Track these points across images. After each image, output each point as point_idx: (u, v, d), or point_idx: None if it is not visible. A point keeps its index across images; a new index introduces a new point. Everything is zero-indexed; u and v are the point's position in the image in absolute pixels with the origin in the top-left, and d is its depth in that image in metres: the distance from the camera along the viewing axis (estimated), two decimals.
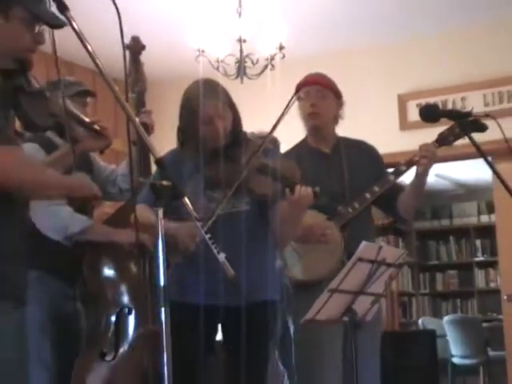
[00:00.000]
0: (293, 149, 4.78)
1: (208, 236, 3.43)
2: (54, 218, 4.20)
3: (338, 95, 4.84)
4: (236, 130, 4.12)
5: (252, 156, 3.93)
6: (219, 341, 4.22)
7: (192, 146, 4.10)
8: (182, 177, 3.90)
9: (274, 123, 3.96)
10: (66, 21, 2.85)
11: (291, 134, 4.75)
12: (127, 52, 4.20)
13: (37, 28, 3.17)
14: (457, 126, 4.30)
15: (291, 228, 4.13)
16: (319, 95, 4.76)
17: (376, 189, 4.63)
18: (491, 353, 10.68)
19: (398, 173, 4.64)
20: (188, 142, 4.14)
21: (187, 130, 4.10)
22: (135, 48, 4.33)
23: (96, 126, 3.98)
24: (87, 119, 4.24)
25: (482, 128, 4.09)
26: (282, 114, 3.97)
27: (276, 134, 4.20)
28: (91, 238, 4.47)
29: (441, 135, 4.47)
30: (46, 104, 3.41)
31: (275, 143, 4.86)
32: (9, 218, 3.18)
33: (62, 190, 3.33)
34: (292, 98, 4.00)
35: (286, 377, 6.29)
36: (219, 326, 4.17)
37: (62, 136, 3.95)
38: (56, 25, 3.05)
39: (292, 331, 4.66)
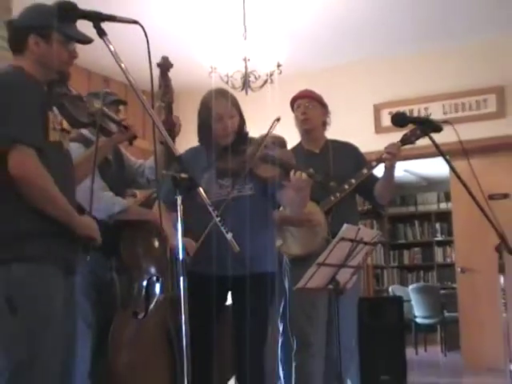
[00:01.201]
0: (291, 150, 4.80)
1: (218, 219, 3.42)
2: (100, 200, 4.20)
3: (323, 105, 4.93)
4: (241, 130, 4.14)
5: (256, 149, 3.97)
6: (228, 305, 4.21)
7: (207, 142, 4.13)
8: (198, 168, 3.91)
9: (266, 133, 4.02)
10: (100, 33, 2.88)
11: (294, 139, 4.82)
12: (158, 69, 4.22)
13: (71, 46, 3.26)
14: (417, 128, 4.33)
15: (297, 207, 4.12)
16: (308, 105, 4.86)
17: (352, 181, 4.68)
18: (447, 314, 10.69)
19: (370, 167, 4.71)
20: (204, 138, 4.16)
21: (203, 127, 4.12)
22: (165, 66, 4.33)
23: (124, 122, 3.98)
24: (117, 117, 4.27)
25: (438, 129, 4.10)
26: (267, 134, 4.04)
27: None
28: (128, 216, 4.49)
29: (404, 136, 4.50)
30: (84, 105, 3.45)
31: (283, 143, 4.90)
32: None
33: (68, 219, 3.18)
34: (274, 122, 4.04)
35: (280, 332, 6.30)
36: (228, 293, 4.16)
37: (100, 131, 3.96)
38: (85, 41, 3.13)
39: (288, 295, 4.66)
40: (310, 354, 4.59)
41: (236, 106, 4.12)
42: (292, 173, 3.81)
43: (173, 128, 4.18)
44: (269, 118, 3.96)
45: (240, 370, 4.10)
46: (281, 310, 5.43)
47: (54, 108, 3.25)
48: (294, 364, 4.67)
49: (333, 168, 4.66)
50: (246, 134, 4.17)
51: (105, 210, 4.32)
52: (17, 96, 3.09)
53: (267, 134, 4.07)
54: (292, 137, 5.01)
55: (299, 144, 4.88)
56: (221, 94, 4.15)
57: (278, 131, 4.13)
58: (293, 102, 4.88)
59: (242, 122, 4.15)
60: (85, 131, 4.76)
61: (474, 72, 8.29)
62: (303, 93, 4.89)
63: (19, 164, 3.02)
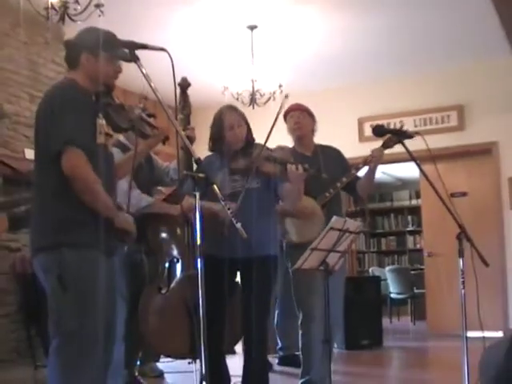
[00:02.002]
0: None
1: (230, 211, 3.42)
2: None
3: (311, 115, 4.89)
4: (248, 138, 4.14)
5: (261, 151, 3.97)
6: (237, 282, 4.21)
7: (219, 148, 4.12)
8: (213, 171, 3.90)
9: (273, 123, 3.98)
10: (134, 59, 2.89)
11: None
12: (179, 87, 4.22)
13: (116, 62, 3.26)
14: (393, 137, 4.33)
15: (294, 198, 4.10)
16: (300, 116, 4.82)
17: (344, 179, 4.67)
18: (416, 290, 10.66)
19: (358, 168, 4.70)
20: (217, 145, 4.14)
21: (217, 136, 4.10)
22: (184, 85, 4.35)
23: (157, 126, 3.98)
24: (152, 122, 4.27)
25: (409, 136, 4.12)
26: (275, 120, 4.02)
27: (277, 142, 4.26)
28: (154, 210, 4.49)
29: (384, 141, 4.50)
30: (126, 113, 3.43)
31: (284, 148, 4.88)
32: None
33: (110, 213, 3.17)
34: (283, 100, 4.08)
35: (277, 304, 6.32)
36: (237, 272, 4.16)
37: (139, 135, 3.93)
38: (127, 59, 3.10)
39: (290, 274, 4.64)
40: (312, 323, 4.57)
41: (243, 118, 4.13)
42: (290, 167, 3.84)
43: (189, 137, 4.19)
44: (269, 128, 3.97)
45: (247, 334, 4.11)
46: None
47: (100, 115, 3.26)
48: (300, 332, 4.65)
49: (323, 167, 4.65)
50: (253, 140, 4.17)
51: (133, 204, 4.32)
52: (69, 104, 3.08)
53: (279, 113, 4.06)
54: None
55: (292, 148, 4.86)
56: (231, 108, 4.16)
57: (277, 139, 4.12)
58: (286, 114, 4.83)
59: (249, 130, 4.15)
60: (122, 138, 4.76)
61: (439, 93, 8.36)
62: (295, 106, 4.85)
63: (70, 164, 3.01)
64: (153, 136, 3.73)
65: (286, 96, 4.07)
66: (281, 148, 4.70)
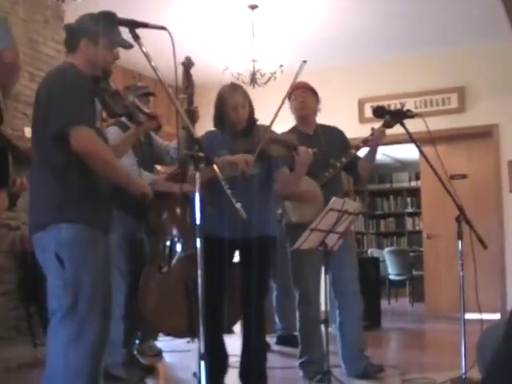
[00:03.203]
0: (288, 131, 4.75)
1: (230, 191, 3.41)
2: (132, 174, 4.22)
3: (315, 95, 4.86)
4: (251, 118, 4.10)
5: (267, 133, 3.92)
6: (236, 262, 4.22)
7: (222, 127, 4.08)
8: (214, 148, 3.86)
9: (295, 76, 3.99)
10: (134, 44, 2.90)
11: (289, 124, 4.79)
12: (182, 67, 4.21)
13: (115, 49, 3.30)
14: (393, 117, 4.30)
15: (294, 181, 4.09)
16: (304, 95, 4.78)
17: (343, 159, 4.65)
18: (414, 272, 10.70)
19: (358, 148, 4.68)
20: (220, 124, 4.11)
21: (220, 115, 4.06)
22: (188, 64, 4.32)
23: (151, 114, 3.97)
24: (146, 110, 4.27)
25: (409, 116, 4.12)
26: (282, 102, 4.01)
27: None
28: (156, 188, 4.50)
29: (385, 121, 4.46)
30: (121, 99, 3.45)
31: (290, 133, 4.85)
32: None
33: (126, 180, 3.31)
34: (301, 64, 3.97)
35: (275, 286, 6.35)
36: (237, 252, 4.15)
37: (131, 120, 4.00)
38: (126, 46, 3.16)
39: (289, 254, 4.64)
40: (309, 304, 4.59)
41: (247, 98, 4.08)
42: (301, 150, 3.83)
43: (193, 116, 4.18)
44: (271, 107, 3.94)
45: (246, 314, 4.12)
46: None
47: (96, 100, 3.28)
48: (297, 313, 4.67)
49: (325, 147, 4.64)
50: (255, 120, 4.14)
51: None
52: (72, 86, 3.11)
53: (296, 77, 4.01)
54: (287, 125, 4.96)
55: (294, 127, 4.81)
56: (234, 87, 4.10)
57: (279, 118, 4.09)
58: (291, 92, 4.74)
59: (252, 110, 4.12)
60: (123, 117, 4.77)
61: (440, 75, 8.33)
62: (300, 84, 4.74)
63: (84, 141, 3.05)
64: (146, 121, 3.77)
65: (305, 61, 3.98)
66: (287, 133, 4.66)
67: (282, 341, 6.38)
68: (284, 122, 4.56)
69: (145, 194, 3.40)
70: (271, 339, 6.35)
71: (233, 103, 4.00)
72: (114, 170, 3.22)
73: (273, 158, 3.96)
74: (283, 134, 4.17)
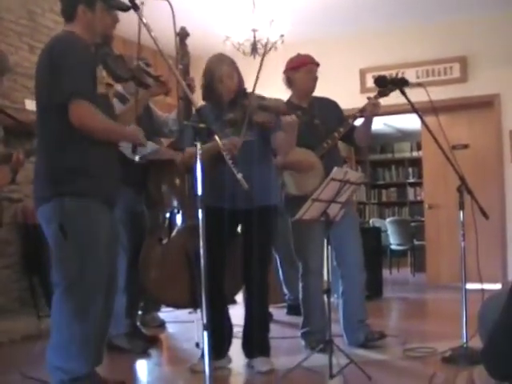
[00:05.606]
0: None
1: (231, 161, 3.40)
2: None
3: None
4: (240, 87, 4.07)
5: (252, 100, 3.89)
6: (239, 232, 4.21)
7: (211, 99, 4.07)
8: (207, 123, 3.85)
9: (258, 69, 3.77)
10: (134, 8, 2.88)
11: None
12: (177, 37, 4.17)
13: (113, 12, 3.33)
14: (394, 85, 4.26)
15: (287, 144, 4.06)
16: (315, 70, 4.72)
17: (341, 129, 4.61)
18: (416, 242, 10.70)
19: (354, 117, 4.63)
20: (208, 96, 4.09)
21: (208, 87, 4.04)
22: (183, 34, 4.30)
23: (160, 78, 3.94)
24: (154, 73, 4.24)
25: (406, 83, 4.09)
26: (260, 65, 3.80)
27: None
28: (159, 156, 4.50)
29: (380, 90, 4.43)
30: (125, 63, 3.44)
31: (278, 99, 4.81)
32: (109, 149, 3.28)
33: (122, 136, 3.41)
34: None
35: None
36: (238, 223, 4.15)
37: (139, 84, 3.87)
38: (124, 9, 3.13)
39: (290, 225, 4.64)
40: (311, 275, 4.60)
41: (234, 68, 4.05)
42: (283, 116, 3.82)
43: (188, 87, 4.14)
44: (272, 78, 3.91)
45: (248, 284, 4.13)
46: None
47: (100, 65, 3.27)
48: (300, 284, 4.68)
49: (319, 118, 4.60)
50: (244, 90, 4.10)
51: (139, 150, 4.32)
52: (71, 55, 3.10)
53: (264, 55, 3.92)
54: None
55: (288, 101, 4.67)
56: (220, 59, 4.06)
57: (273, 91, 4.04)
58: (304, 64, 4.69)
59: (241, 80, 4.08)
60: (120, 89, 4.74)
61: (443, 44, 8.25)
62: (311, 59, 4.72)
63: (79, 115, 3.06)
64: (154, 86, 3.72)
65: (282, 35, 3.92)
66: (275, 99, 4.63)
67: (291, 310, 6.39)
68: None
69: (139, 143, 3.46)
70: (280, 309, 6.38)
71: (219, 75, 3.97)
72: (111, 134, 3.27)
73: (262, 125, 3.93)
74: (271, 99, 4.11)
